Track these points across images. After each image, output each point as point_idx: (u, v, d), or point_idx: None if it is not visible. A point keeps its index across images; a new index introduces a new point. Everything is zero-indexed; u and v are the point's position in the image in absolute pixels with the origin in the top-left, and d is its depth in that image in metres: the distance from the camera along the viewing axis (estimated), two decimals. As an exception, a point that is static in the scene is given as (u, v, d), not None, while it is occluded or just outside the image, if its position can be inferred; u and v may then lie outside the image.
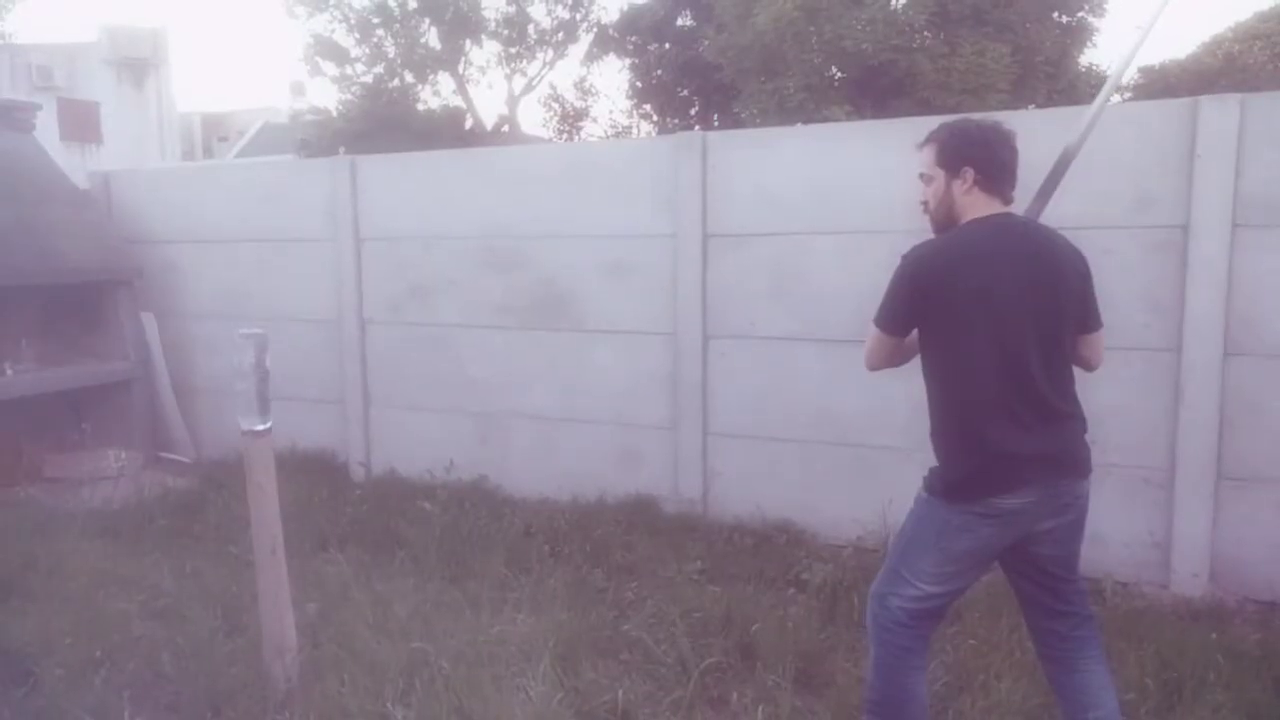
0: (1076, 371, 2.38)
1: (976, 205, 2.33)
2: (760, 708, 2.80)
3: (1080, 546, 2.40)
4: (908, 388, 4.08)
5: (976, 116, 2.46)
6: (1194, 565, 3.80)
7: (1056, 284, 2.27)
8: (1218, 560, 3.78)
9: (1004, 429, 2.21)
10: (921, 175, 2.45)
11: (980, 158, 2.33)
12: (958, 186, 2.35)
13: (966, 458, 2.27)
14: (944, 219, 2.40)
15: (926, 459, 2.40)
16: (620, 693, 2.83)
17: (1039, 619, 2.43)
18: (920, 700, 2.38)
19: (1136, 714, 2.74)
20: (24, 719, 2.86)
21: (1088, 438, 2.36)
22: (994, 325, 2.22)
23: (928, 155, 2.42)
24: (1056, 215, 3.76)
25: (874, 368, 2.47)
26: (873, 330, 2.42)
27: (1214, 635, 3.23)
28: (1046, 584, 2.38)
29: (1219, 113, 3.65)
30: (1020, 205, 2.49)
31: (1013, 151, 2.36)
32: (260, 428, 2.86)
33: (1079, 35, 13.50)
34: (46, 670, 3.02)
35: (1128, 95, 17.01)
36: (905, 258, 2.33)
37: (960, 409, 2.29)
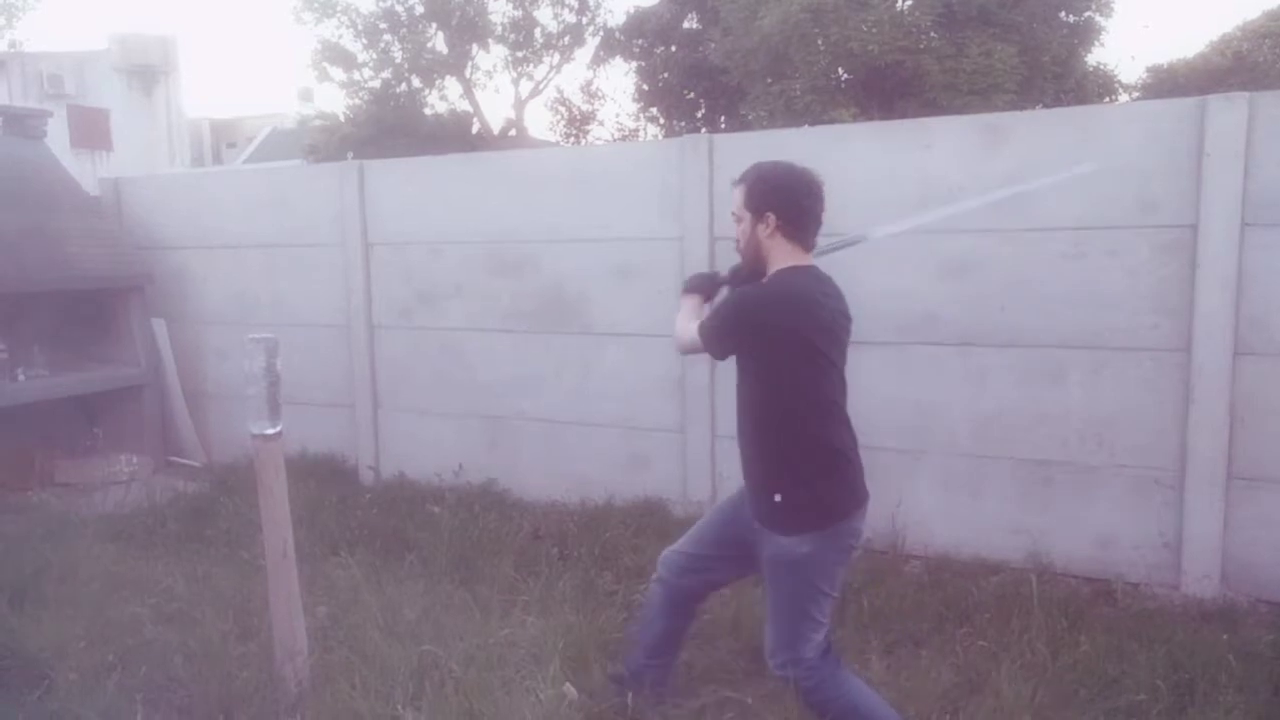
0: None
1: (780, 250, 2.37)
2: (770, 710, 2.80)
3: None
4: (915, 391, 4.09)
5: (786, 162, 2.47)
6: (1205, 566, 3.78)
7: (849, 329, 2.44)
8: (1229, 561, 3.76)
9: (850, 445, 2.43)
10: (733, 214, 2.48)
11: (782, 204, 2.36)
12: (761, 230, 2.39)
13: (830, 468, 2.39)
14: (752, 260, 2.44)
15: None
16: (630, 695, 2.83)
17: (719, 585, 2.80)
18: (867, 695, 2.45)
19: (1148, 715, 2.73)
20: (38, 722, 2.88)
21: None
22: (831, 360, 2.37)
23: (738, 196, 2.46)
24: (1062, 216, 3.81)
25: (682, 353, 2.73)
26: (695, 339, 2.48)
27: (1225, 636, 3.22)
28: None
29: (1228, 111, 3.63)
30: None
31: (816, 200, 2.40)
32: (271, 432, 2.88)
33: (1086, 35, 13.48)
34: (60, 674, 3.04)
35: (1136, 95, 16.97)
36: (753, 300, 2.36)
37: (818, 429, 2.37)
